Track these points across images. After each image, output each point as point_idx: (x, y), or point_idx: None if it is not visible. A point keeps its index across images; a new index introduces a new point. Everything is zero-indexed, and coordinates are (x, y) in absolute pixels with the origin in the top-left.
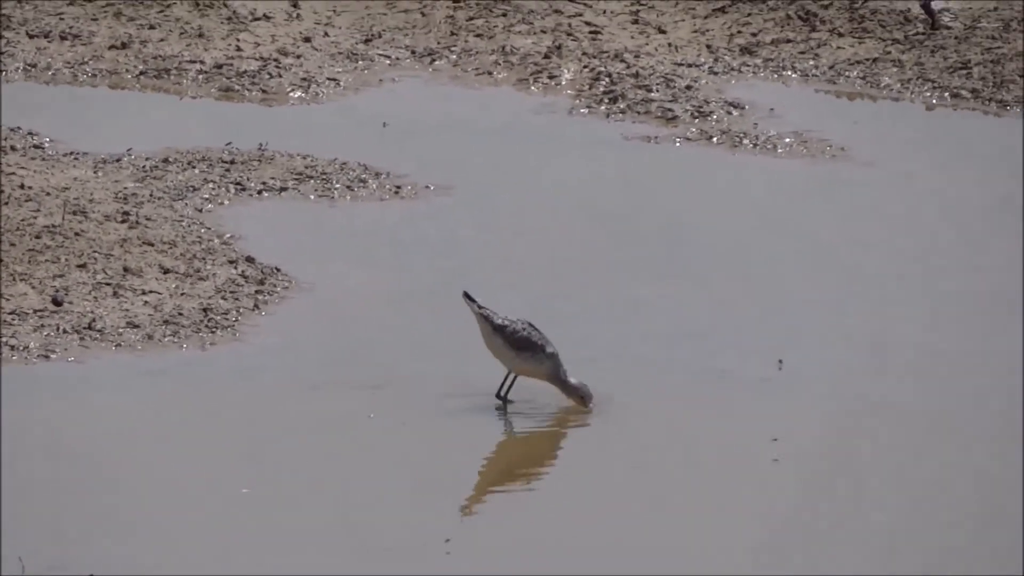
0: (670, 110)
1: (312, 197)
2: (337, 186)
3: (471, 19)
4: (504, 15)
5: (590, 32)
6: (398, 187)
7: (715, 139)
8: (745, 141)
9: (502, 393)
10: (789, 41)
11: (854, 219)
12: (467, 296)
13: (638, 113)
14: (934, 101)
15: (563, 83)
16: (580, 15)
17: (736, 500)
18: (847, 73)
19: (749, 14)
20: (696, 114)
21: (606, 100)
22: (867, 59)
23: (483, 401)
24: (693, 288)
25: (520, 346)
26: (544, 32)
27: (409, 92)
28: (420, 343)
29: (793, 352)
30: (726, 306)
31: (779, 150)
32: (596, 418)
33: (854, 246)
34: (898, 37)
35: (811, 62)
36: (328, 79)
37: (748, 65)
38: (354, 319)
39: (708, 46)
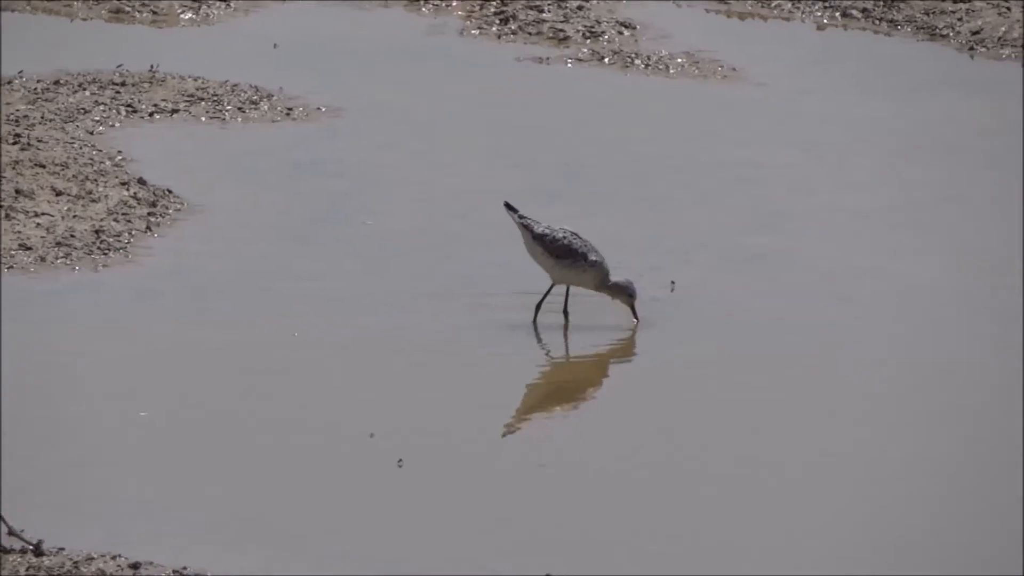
0: (562, 31)
1: (204, 119)
2: (229, 108)
3: None
4: None
5: None
6: (289, 109)
7: (607, 60)
8: (637, 62)
9: (538, 304)
10: None
11: (747, 138)
12: (508, 206)
13: (529, 34)
14: (825, 20)
15: (454, 4)
16: None
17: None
18: None
19: None
20: (588, 35)
21: (497, 21)
22: None
23: (384, 323)
24: (587, 209)
25: (560, 254)
26: None
27: (300, 13)
28: (309, 266)
29: (686, 273)
30: (622, 227)
31: (671, 70)
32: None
33: (748, 166)
34: None
35: None
36: (218, 0)
37: None
38: (245, 241)
39: None
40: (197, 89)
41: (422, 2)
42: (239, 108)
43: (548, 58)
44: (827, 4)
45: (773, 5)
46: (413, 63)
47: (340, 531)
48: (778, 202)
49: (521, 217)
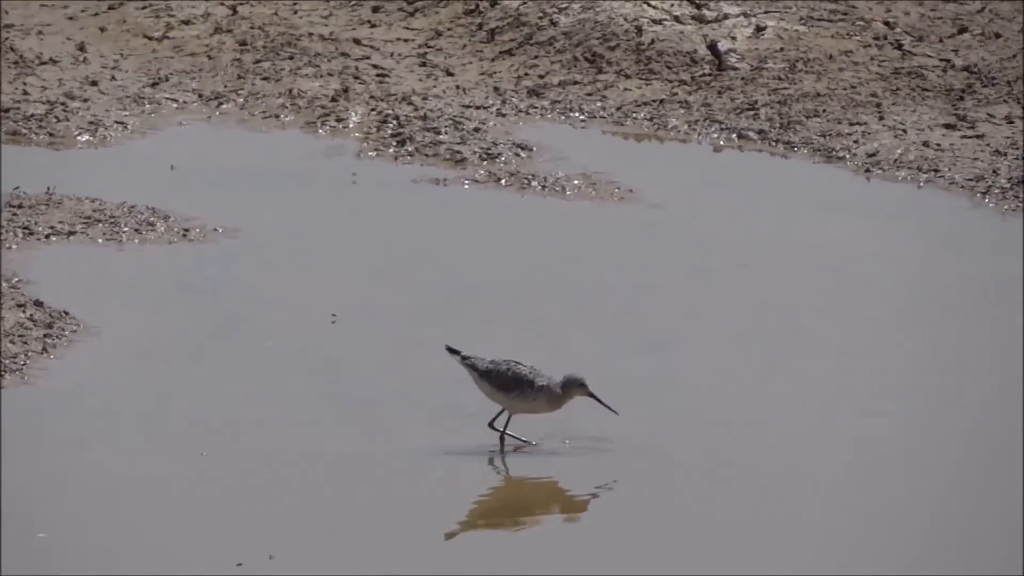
0: (459, 152)
1: (100, 240)
2: (126, 229)
3: (258, 62)
4: (291, 58)
5: (377, 75)
6: (186, 230)
7: (504, 181)
8: (534, 183)
9: (494, 424)
10: (576, 83)
11: (638, 261)
12: (450, 349)
13: (426, 155)
14: (721, 142)
15: (351, 126)
16: (367, 58)
17: None
18: (634, 115)
19: (536, 56)
20: (484, 156)
21: (394, 143)
22: (654, 100)
23: (274, 434)
24: (473, 332)
25: (508, 387)
26: (331, 75)
27: (197, 136)
28: (208, 385)
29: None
30: (507, 351)
31: (568, 192)
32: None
33: (637, 288)
34: (685, 79)
35: (598, 104)
36: (116, 123)
37: (536, 107)
38: (141, 362)
39: (496, 88)
40: (94, 211)
41: (319, 124)
42: (136, 230)
43: (445, 179)
44: (723, 126)
45: (669, 127)
46: (310, 185)
47: None
48: (663, 326)
49: (464, 358)
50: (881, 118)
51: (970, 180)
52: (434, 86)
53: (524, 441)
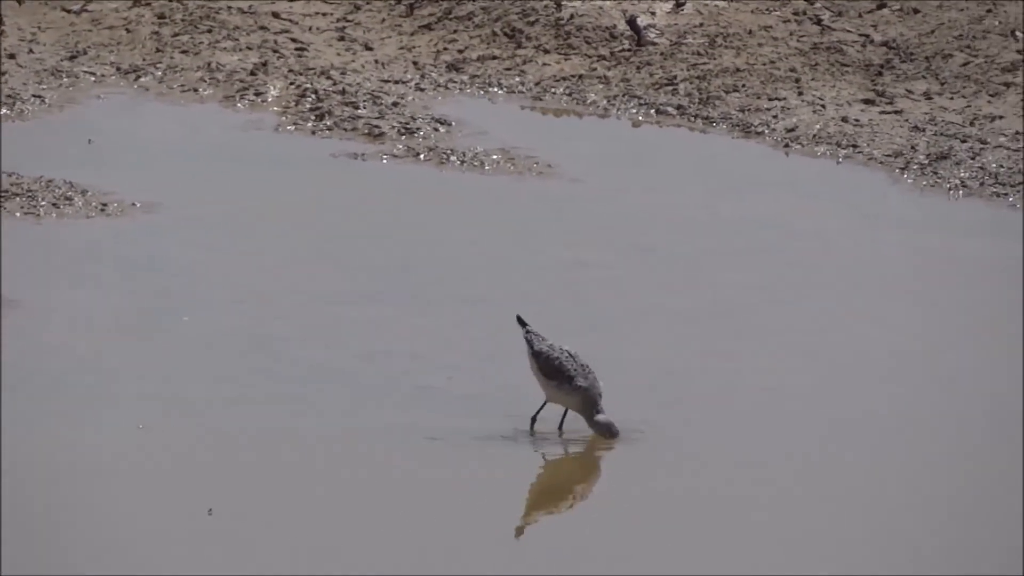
0: (377, 127)
1: (18, 215)
2: (43, 204)
3: (176, 35)
4: (209, 31)
5: (296, 49)
6: (104, 204)
7: (422, 156)
8: (452, 158)
9: (535, 416)
10: (495, 58)
11: (564, 237)
12: (520, 320)
13: (345, 130)
14: (640, 117)
15: (269, 100)
16: (286, 32)
17: None
18: (553, 90)
19: (455, 31)
20: (403, 131)
21: (313, 117)
22: (573, 76)
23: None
24: (406, 310)
25: (549, 374)
26: (250, 49)
27: (115, 109)
28: (139, 363)
29: (497, 371)
30: (442, 328)
31: (486, 167)
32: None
33: (567, 265)
34: (604, 54)
35: (517, 78)
36: (33, 96)
37: (455, 82)
38: (59, 335)
39: (415, 63)
40: (11, 184)
41: (237, 98)
42: (54, 204)
43: (364, 154)
44: (642, 101)
45: (588, 102)
46: (228, 159)
47: None
48: (596, 304)
49: (528, 332)
50: (800, 93)
51: (889, 156)
52: (353, 60)
53: (532, 431)
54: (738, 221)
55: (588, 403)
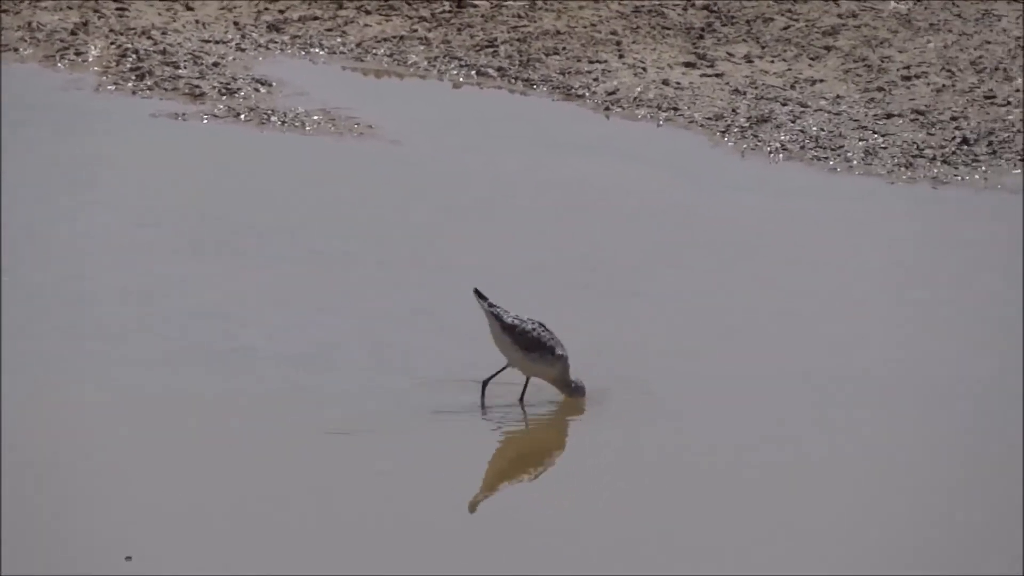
0: (198, 87)
1: None
2: None
3: None
4: None
5: (117, 9)
6: None
7: (243, 116)
8: (273, 118)
9: (487, 380)
10: (316, 19)
11: (381, 197)
12: (477, 293)
13: (165, 90)
14: (461, 79)
15: (90, 60)
16: None
17: None
18: (374, 51)
19: None
20: (224, 91)
21: (133, 77)
22: (394, 37)
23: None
24: (212, 267)
25: (529, 347)
26: (71, 8)
27: None
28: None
29: (328, 331)
30: (246, 285)
31: (307, 127)
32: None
33: (384, 224)
34: (425, 15)
35: (338, 39)
36: None
37: (276, 42)
38: None
39: (236, 23)
40: None
41: (58, 58)
42: None
43: (184, 114)
44: (463, 63)
45: (409, 63)
46: (47, 119)
47: None
48: (431, 260)
49: (491, 306)
50: (621, 56)
51: (710, 119)
52: (173, 20)
53: (482, 406)
54: (559, 182)
55: (566, 371)
